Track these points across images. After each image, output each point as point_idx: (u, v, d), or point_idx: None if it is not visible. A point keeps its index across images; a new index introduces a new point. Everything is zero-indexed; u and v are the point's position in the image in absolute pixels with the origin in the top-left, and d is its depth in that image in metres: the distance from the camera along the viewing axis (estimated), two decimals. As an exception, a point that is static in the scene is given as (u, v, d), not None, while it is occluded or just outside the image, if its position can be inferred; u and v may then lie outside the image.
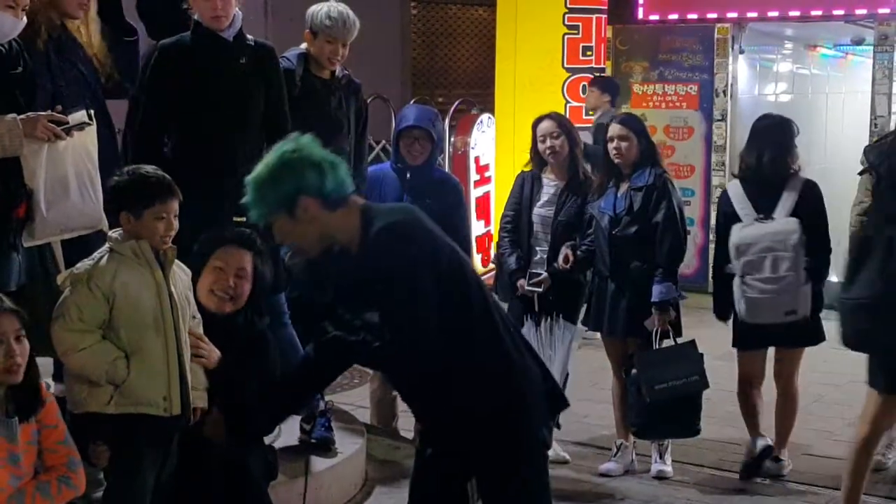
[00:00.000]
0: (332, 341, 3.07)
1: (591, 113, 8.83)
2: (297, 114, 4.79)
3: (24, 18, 3.97)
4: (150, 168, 3.69)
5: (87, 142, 4.04)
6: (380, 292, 2.96)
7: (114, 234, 3.67)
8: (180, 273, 3.74)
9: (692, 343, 5.35)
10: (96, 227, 4.03)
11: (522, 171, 5.87)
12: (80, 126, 3.97)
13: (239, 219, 4.51)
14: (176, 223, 3.62)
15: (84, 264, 3.59)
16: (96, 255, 3.63)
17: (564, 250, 5.49)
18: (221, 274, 3.89)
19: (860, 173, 5.46)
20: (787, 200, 5.30)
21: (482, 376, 3.04)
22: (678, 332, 5.39)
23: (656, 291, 5.27)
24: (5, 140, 3.80)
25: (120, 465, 3.52)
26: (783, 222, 5.28)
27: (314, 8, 5.05)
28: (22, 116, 3.83)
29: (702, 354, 5.32)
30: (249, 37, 4.74)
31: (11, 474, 3.14)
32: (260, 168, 3.09)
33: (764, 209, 5.32)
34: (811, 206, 5.34)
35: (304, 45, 5.12)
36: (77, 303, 3.50)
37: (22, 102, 3.90)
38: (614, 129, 5.49)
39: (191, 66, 4.58)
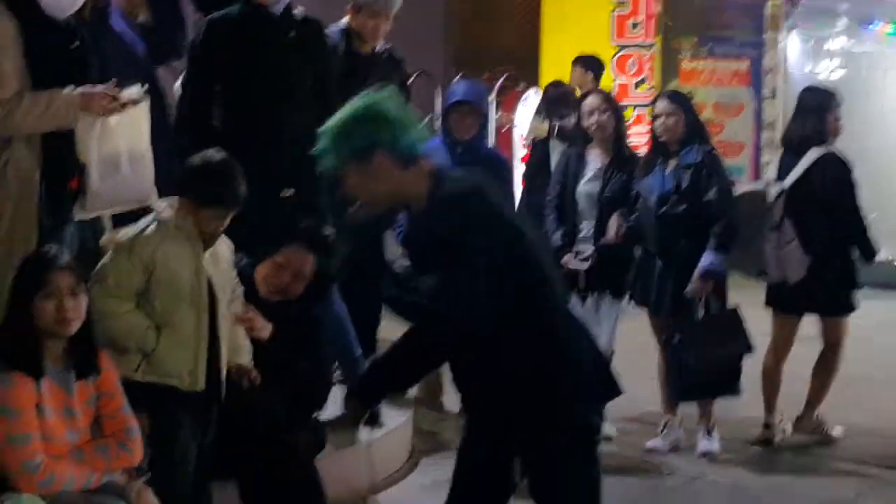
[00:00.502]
0: (388, 301, 3.08)
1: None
2: (340, 89, 4.80)
3: None
4: (226, 164, 3.69)
5: (139, 117, 4.08)
6: (438, 255, 2.95)
7: (162, 204, 3.70)
8: (223, 248, 3.77)
9: (734, 310, 5.34)
10: (146, 202, 4.07)
11: (566, 148, 5.88)
12: (135, 102, 4.01)
13: (287, 192, 4.56)
14: (227, 223, 3.67)
15: (128, 232, 3.65)
16: (141, 223, 3.68)
17: (616, 218, 5.46)
18: (280, 270, 3.94)
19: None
20: (799, 168, 5.41)
21: (530, 350, 3.00)
22: (723, 300, 5.36)
23: (706, 259, 5.24)
24: (62, 113, 3.85)
25: (158, 433, 3.55)
26: (769, 188, 5.47)
27: (357, -17, 5.06)
28: (79, 90, 3.88)
29: (743, 319, 5.30)
30: (297, 10, 4.75)
31: (68, 428, 3.22)
32: (336, 119, 3.04)
33: (785, 176, 5.47)
34: (827, 177, 5.40)
35: (345, 20, 5.13)
36: (115, 269, 3.57)
37: (77, 76, 3.95)
38: (661, 105, 5.46)
39: (239, 40, 4.61)
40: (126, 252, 3.58)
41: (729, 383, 5.30)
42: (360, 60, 5.12)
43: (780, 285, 5.50)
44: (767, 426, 5.64)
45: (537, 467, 3.10)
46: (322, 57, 4.77)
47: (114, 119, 3.97)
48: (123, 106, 3.95)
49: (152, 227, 3.63)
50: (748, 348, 5.29)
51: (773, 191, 5.49)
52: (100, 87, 3.91)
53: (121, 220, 4.11)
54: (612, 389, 3.21)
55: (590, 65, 8.60)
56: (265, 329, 3.95)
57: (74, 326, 3.21)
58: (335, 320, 4.64)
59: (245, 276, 3.99)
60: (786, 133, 5.67)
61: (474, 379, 3.10)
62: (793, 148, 5.55)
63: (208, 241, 3.66)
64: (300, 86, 4.69)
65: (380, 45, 5.17)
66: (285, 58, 4.66)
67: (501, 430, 3.10)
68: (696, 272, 5.24)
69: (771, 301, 5.62)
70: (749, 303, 5.68)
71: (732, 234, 5.34)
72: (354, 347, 4.82)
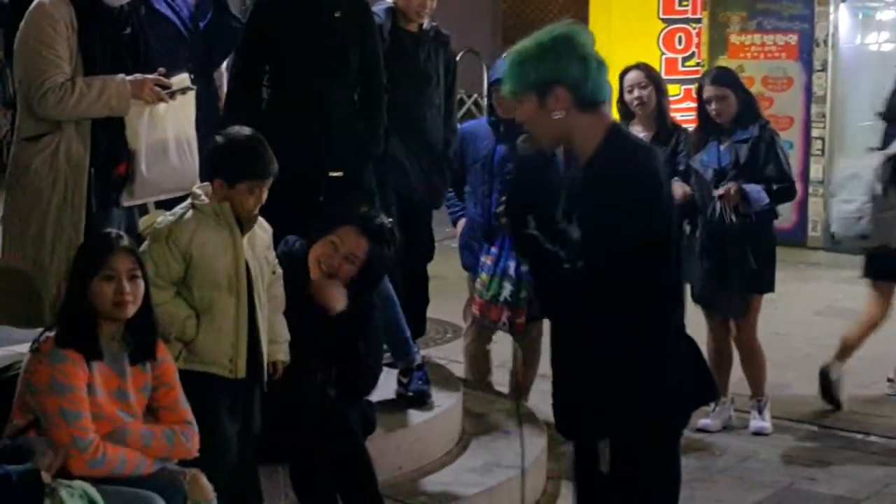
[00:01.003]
0: (526, 239, 2.93)
1: None
2: (387, 67, 4.79)
3: None
4: (251, 137, 3.66)
5: (186, 105, 4.11)
6: (592, 209, 2.82)
7: (198, 190, 3.68)
8: (260, 232, 3.75)
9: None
10: (191, 190, 4.09)
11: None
12: (183, 90, 4.03)
13: (335, 173, 4.56)
14: (265, 196, 3.62)
15: (166, 219, 3.62)
16: (178, 210, 3.65)
17: (675, 181, 5.40)
18: (333, 251, 3.93)
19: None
20: None
21: (634, 341, 2.84)
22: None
23: (753, 188, 5.23)
24: (113, 100, 3.88)
25: (200, 421, 3.49)
26: (877, 153, 5.61)
27: (402, -39, 5.04)
28: (130, 78, 3.91)
29: None
30: (343, -10, 4.73)
31: (120, 409, 3.24)
32: (527, 42, 2.93)
33: (887, 146, 5.65)
34: None
35: (391, -1, 5.12)
36: (154, 258, 3.54)
37: (128, 63, 3.97)
38: (709, 90, 5.42)
39: (286, 20, 4.60)
40: (164, 240, 3.55)
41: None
42: (406, 39, 5.10)
43: (881, 254, 5.58)
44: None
45: (616, 461, 2.95)
46: (369, 36, 4.75)
47: (162, 106, 4.00)
48: (172, 94, 3.98)
49: (189, 213, 3.61)
50: None
51: (879, 158, 5.60)
52: (150, 76, 3.93)
53: (163, 207, 4.13)
54: (708, 393, 3.12)
55: None
56: (340, 300, 3.92)
57: (131, 310, 3.23)
58: (384, 301, 4.63)
59: (298, 257, 3.99)
60: (887, 107, 5.81)
61: (570, 356, 2.96)
62: (893, 120, 5.71)
63: (246, 225, 3.63)
64: (347, 65, 4.68)
65: (426, 23, 5.15)
66: (331, 37, 4.64)
67: (585, 416, 2.96)
68: (734, 184, 5.23)
69: (870, 270, 5.70)
70: (797, 278, 5.64)
71: (786, 194, 5.42)
72: (403, 328, 4.83)
